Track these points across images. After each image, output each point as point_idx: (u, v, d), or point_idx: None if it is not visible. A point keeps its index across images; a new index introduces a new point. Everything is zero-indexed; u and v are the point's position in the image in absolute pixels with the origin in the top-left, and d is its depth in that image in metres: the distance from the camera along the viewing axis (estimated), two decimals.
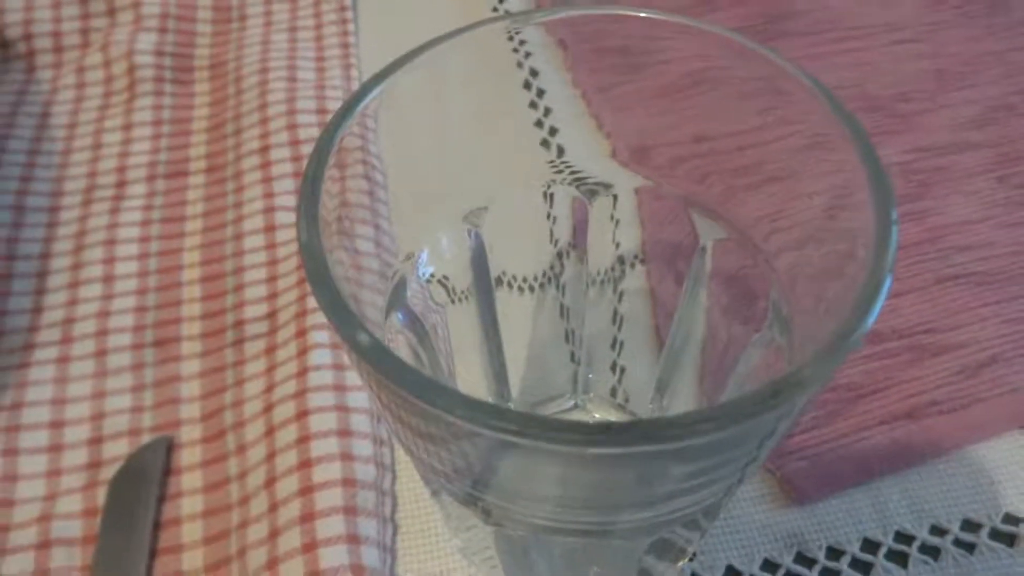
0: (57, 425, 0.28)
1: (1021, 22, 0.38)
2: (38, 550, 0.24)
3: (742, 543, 0.25)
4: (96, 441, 0.27)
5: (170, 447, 0.27)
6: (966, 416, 0.27)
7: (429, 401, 0.12)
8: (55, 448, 0.27)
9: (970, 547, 0.25)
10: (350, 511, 0.24)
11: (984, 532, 0.25)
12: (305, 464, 0.24)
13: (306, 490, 0.24)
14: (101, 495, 0.26)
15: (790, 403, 0.12)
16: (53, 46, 0.41)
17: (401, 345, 0.20)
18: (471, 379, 0.24)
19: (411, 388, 0.12)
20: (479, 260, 0.22)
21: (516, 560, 0.21)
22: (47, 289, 0.32)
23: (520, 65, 0.23)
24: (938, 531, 0.25)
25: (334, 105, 0.36)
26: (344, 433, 0.25)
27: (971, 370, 0.27)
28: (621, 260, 0.24)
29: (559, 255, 0.25)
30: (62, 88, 0.40)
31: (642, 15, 0.18)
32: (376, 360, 0.13)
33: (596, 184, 0.23)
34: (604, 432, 0.11)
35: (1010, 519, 0.25)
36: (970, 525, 0.25)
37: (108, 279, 0.32)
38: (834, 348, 0.12)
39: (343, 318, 0.13)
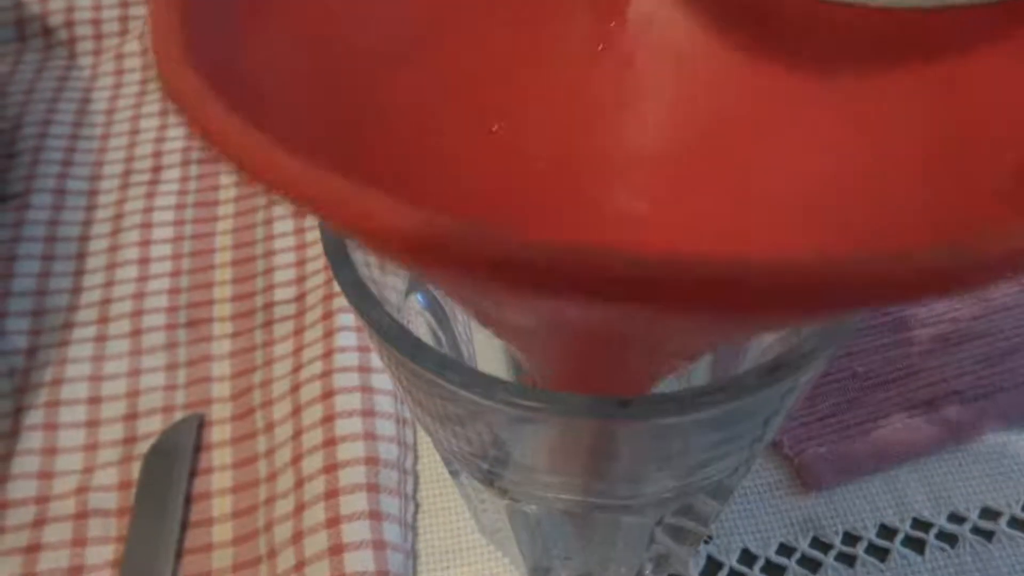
0: (94, 401, 0.29)
1: None
2: (76, 520, 0.26)
3: (758, 527, 0.25)
4: (131, 417, 0.28)
5: (201, 424, 0.28)
6: (988, 405, 0.27)
7: (446, 378, 0.13)
8: (92, 423, 0.28)
9: (988, 535, 0.25)
10: (372, 488, 0.24)
11: (1003, 520, 0.25)
12: (330, 442, 0.25)
13: (331, 467, 0.25)
14: (136, 469, 0.27)
15: (792, 379, 0.12)
16: (93, 33, 0.42)
17: (421, 327, 0.20)
18: (489, 367, 0.24)
19: (428, 365, 0.13)
20: None
21: (532, 539, 0.22)
22: (86, 270, 0.33)
23: None
24: (956, 518, 0.25)
25: None
26: (368, 413, 0.26)
27: (994, 359, 0.27)
28: None
29: None
30: (101, 75, 0.41)
31: None
32: (395, 339, 0.13)
33: None
34: (615, 405, 0.11)
35: None
36: (989, 513, 0.25)
37: (143, 261, 0.33)
38: (833, 327, 0.12)
39: (363, 297, 0.14)
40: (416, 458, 0.27)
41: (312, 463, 0.25)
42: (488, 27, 0.15)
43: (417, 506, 0.26)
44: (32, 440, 0.28)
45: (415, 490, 0.26)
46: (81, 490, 0.26)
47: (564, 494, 0.16)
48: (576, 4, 0.16)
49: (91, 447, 0.28)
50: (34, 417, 0.28)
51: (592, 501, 0.17)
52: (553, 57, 0.16)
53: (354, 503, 0.24)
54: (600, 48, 0.16)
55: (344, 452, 0.25)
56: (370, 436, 0.25)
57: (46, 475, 0.27)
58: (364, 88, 0.13)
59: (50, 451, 0.27)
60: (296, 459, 0.25)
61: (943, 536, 0.25)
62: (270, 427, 0.27)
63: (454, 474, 0.22)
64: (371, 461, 0.25)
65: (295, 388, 0.27)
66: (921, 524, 0.25)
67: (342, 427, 0.25)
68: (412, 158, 0.13)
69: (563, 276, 0.07)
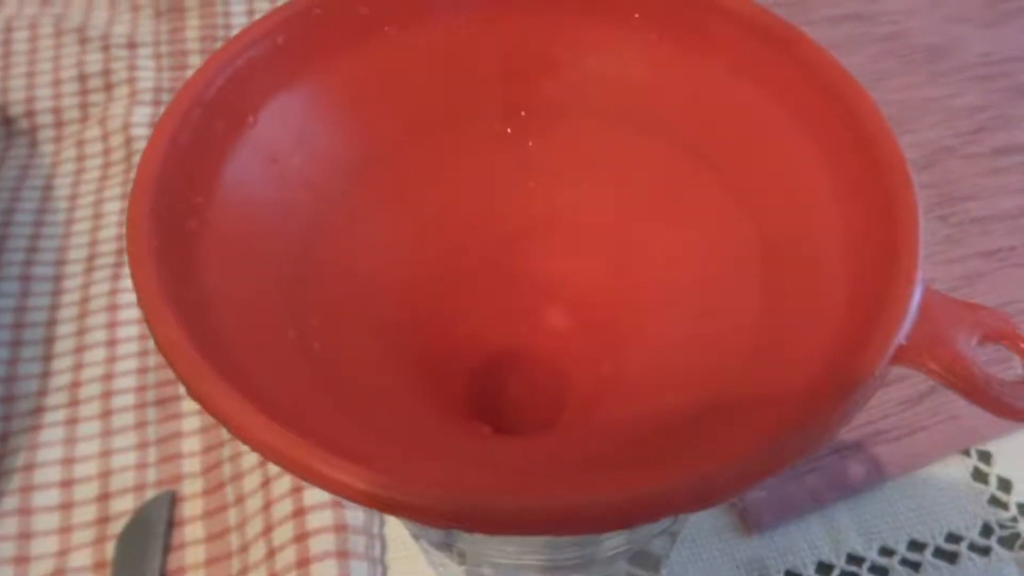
0: (67, 484, 0.30)
1: (959, 69, 0.41)
2: None
3: (706, 571, 0.27)
4: (104, 497, 0.29)
5: (173, 501, 0.29)
6: (910, 443, 0.29)
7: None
8: (66, 506, 0.29)
9: (916, 566, 0.27)
10: (342, 555, 0.26)
11: (928, 551, 0.27)
12: (299, 512, 0.26)
13: (301, 536, 0.26)
14: (110, 549, 0.28)
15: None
16: (54, 121, 0.44)
17: None
18: None
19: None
20: None
21: None
22: (54, 355, 0.34)
23: None
24: (887, 552, 0.27)
25: None
26: None
27: (913, 400, 0.29)
28: None
29: None
30: (63, 161, 0.42)
31: None
32: None
33: None
34: None
35: (952, 538, 0.27)
36: (916, 545, 0.27)
37: (111, 343, 0.34)
38: None
39: None
40: (383, 522, 0.28)
41: (283, 534, 0.26)
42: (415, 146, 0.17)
43: (385, 569, 0.27)
44: (7, 526, 0.28)
45: (383, 554, 0.27)
46: (57, 573, 0.27)
47: (517, 559, 0.18)
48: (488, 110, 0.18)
49: (66, 530, 0.28)
50: (8, 503, 0.29)
51: (545, 563, 0.18)
52: (472, 160, 0.18)
53: (325, 571, 0.25)
54: (508, 131, 0.18)
55: (313, 521, 0.26)
56: (338, 504, 0.27)
57: (22, 560, 0.28)
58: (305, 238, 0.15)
59: (25, 536, 0.28)
60: (267, 530, 0.27)
61: (875, 569, 0.27)
62: (240, 500, 0.28)
63: (415, 537, 0.23)
64: (340, 528, 0.26)
65: (264, 461, 0.28)
66: (855, 559, 0.27)
67: (310, 497, 0.27)
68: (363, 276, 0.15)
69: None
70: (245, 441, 0.10)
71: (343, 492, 0.10)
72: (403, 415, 0.15)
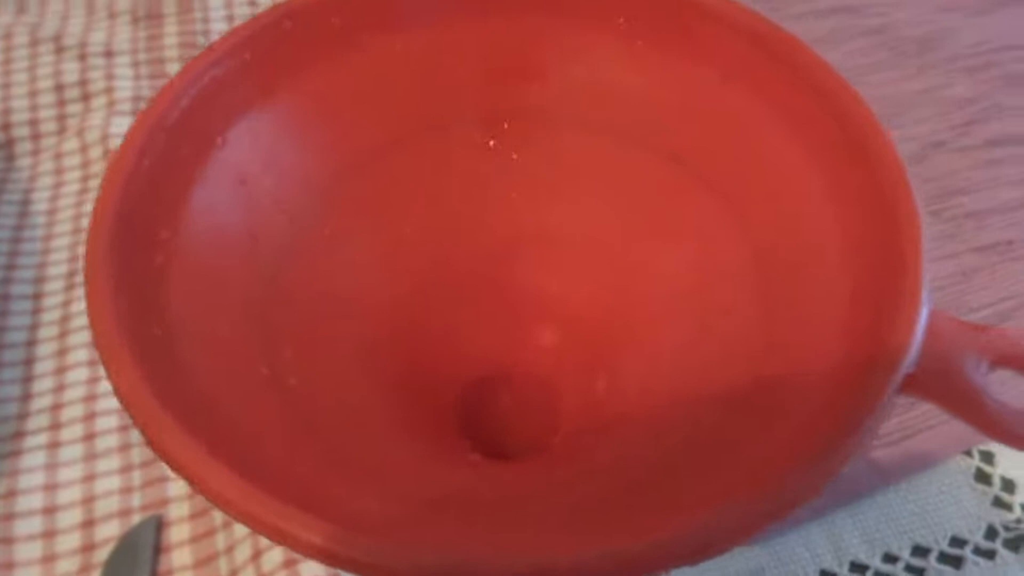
0: (50, 511, 0.29)
1: (949, 59, 0.41)
2: None
3: None
4: (89, 524, 0.28)
5: (159, 525, 0.28)
6: (911, 445, 0.28)
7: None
8: (49, 534, 0.28)
9: (920, 572, 0.26)
10: None
11: (933, 556, 0.26)
12: None
13: (291, 562, 0.25)
14: None
15: None
16: (31, 134, 0.43)
17: None
18: None
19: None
20: None
21: None
22: (34, 376, 0.33)
23: None
24: (890, 558, 0.27)
25: None
26: None
27: (913, 401, 0.29)
28: None
29: None
30: (41, 175, 0.41)
31: None
32: None
33: None
34: None
35: (956, 542, 0.27)
36: (920, 550, 0.27)
37: (93, 362, 0.33)
38: None
39: None
40: None
41: (272, 558, 0.25)
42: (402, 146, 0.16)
43: None
44: None
45: None
46: None
47: None
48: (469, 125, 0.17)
49: (49, 559, 0.28)
50: None
51: None
52: (454, 173, 0.17)
53: None
54: (491, 143, 0.17)
55: None
56: None
57: None
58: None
59: (7, 566, 0.27)
60: (256, 555, 0.26)
61: None
62: (228, 524, 0.27)
63: None
64: None
65: None
66: (858, 567, 0.26)
67: None
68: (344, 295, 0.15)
69: None
70: (208, 498, 0.10)
71: (318, 557, 0.10)
72: (386, 448, 0.14)
